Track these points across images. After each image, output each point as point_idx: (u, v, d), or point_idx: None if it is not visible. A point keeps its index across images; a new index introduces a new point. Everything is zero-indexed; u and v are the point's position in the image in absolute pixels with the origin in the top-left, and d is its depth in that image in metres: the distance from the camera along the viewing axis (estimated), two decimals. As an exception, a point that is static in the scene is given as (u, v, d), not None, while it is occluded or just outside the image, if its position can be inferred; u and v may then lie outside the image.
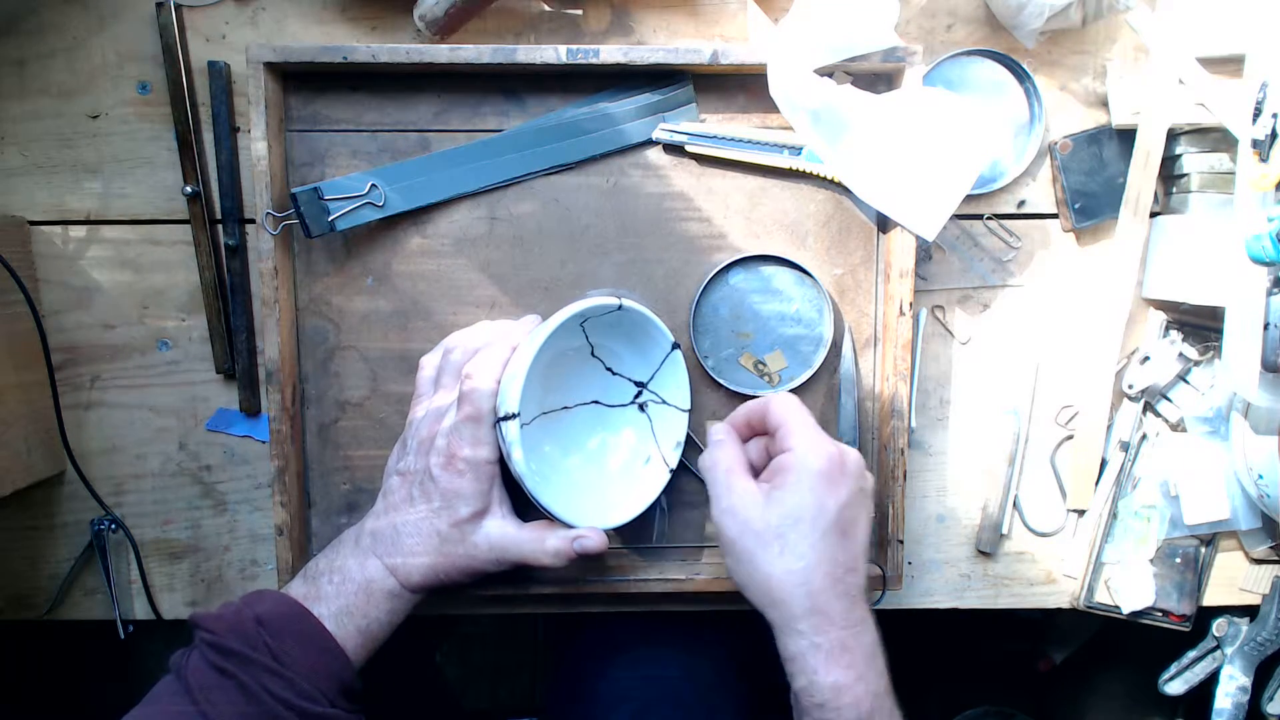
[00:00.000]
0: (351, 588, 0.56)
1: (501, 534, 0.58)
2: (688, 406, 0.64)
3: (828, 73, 0.62)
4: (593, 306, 0.59)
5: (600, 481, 0.64)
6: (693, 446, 0.67)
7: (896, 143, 0.61)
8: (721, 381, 0.66)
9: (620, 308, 0.60)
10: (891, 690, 0.54)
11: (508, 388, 0.56)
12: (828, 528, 0.52)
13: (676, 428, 0.64)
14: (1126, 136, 0.66)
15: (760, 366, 0.66)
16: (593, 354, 0.63)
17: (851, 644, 0.52)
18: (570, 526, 0.58)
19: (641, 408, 0.65)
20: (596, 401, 0.65)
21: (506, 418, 0.55)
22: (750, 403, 0.59)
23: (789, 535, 0.52)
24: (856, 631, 0.53)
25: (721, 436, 0.59)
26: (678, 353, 0.63)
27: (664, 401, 0.64)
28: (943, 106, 0.60)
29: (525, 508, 0.59)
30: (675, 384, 0.64)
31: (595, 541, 0.58)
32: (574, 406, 0.64)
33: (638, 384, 0.65)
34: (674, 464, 0.64)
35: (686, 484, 0.68)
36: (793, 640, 0.53)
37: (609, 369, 0.64)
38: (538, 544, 0.58)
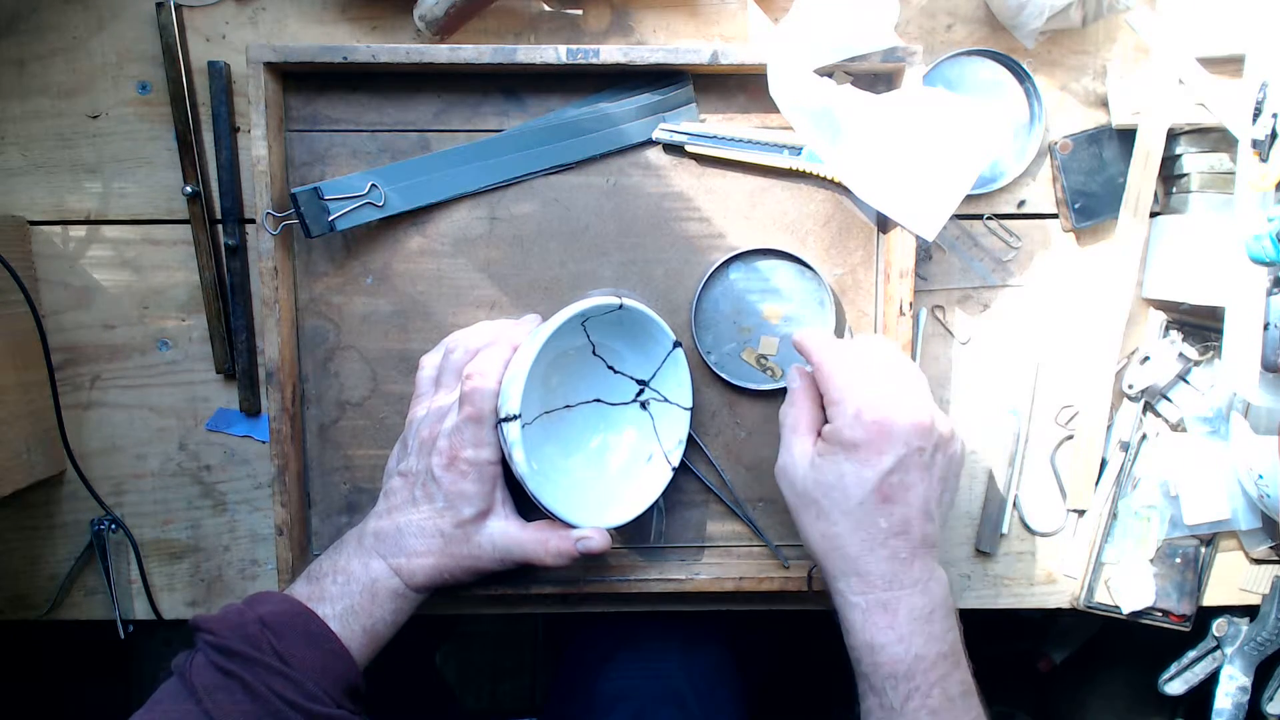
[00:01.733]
0: (356, 588, 0.56)
1: (504, 534, 0.58)
2: (689, 405, 0.64)
3: (828, 73, 0.62)
4: (594, 306, 0.59)
5: (602, 481, 0.64)
6: (694, 445, 0.67)
7: (896, 143, 0.61)
8: (724, 376, 0.66)
9: (621, 307, 0.60)
10: (955, 653, 0.53)
11: (509, 388, 0.56)
12: (865, 497, 0.52)
13: (678, 426, 0.64)
14: (1126, 136, 0.66)
15: (762, 361, 0.66)
16: (594, 353, 0.63)
17: (895, 605, 0.52)
18: (573, 526, 0.58)
19: (643, 406, 0.65)
20: (598, 400, 0.65)
21: (508, 419, 0.55)
22: (809, 349, 0.58)
23: (823, 502, 0.54)
24: (906, 593, 0.52)
25: (796, 386, 0.59)
26: (679, 351, 0.63)
27: (666, 400, 0.64)
28: (943, 106, 0.60)
29: (528, 506, 0.59)
30: (677, 382, 0.64)
31: (598, 541, 0.58)
32: (576, 405, 0.64)
33: (639, 382, 0.65)
34: (676, 462, 0.64)
35: (686, 484, 0.68)
36: (835, 596, 0.54)
37: (611, 367, 0.64)
38: (541, 545, 0.58)
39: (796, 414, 0.58)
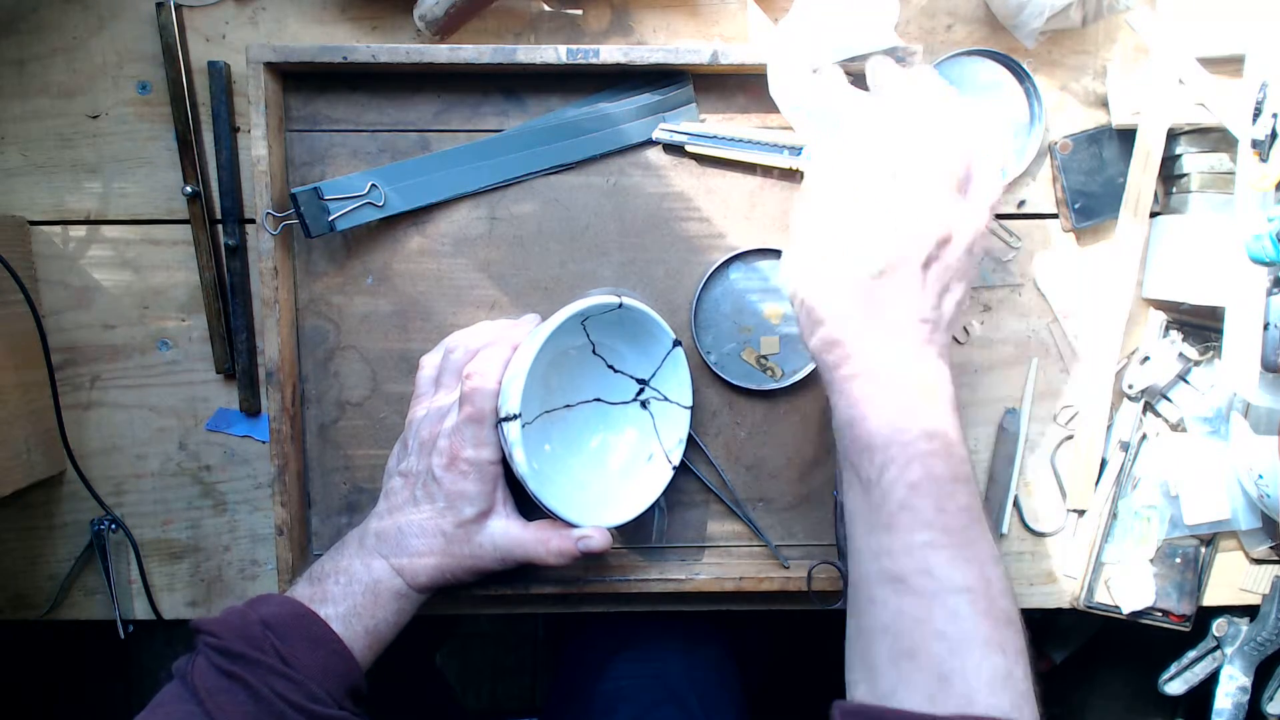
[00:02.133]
0: (358, 589, 0.56)
1: (505, 534, 0.58)
2: (690, 404, 0.64)
3: (828, 73, 0.62)
4: (593, 305, 0.59)
5: (603, 480, 0.64)
6: (694, 445, 0.67)
7: None
8: (724, 376, 0.66)
9: (621, 306, 0.60)
10: (945, 438, 0.49)
11: (509, 388, 0.56)
12: (856, 301, 0.50)
13: (679, 425, 0.64)
14: (1126, 136, 0.66)
15: (762, 361, 0.66)
16: (594, 352, 0.63)
17: (876, 382, 0.49)
18: (573, 525, 0.59)
19: (644, 405, 0.65)
20: (598, 399, 0.65)
21: (508, 418, 0.55)
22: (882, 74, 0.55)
23: (814, 304, 0.52)
24: (892, 373, 0.49)
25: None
26: (679, 350, 0.63)
27: (666, 399, 0.64)
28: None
29: (528, 506, 0.59)
30: (677, 381, 0.64)
31: (599, 540, 0.58)
32: (576, 405, 0.64)
33: (640, 381, 0.65)
34: (676, 461, 0.64)
35: (686, 484, 0.68)
36: (821, 372, 0.53)
37: (611, 366, 0.64)
38: (542, 544, 0.58)
39: (807, 219, 0.54)
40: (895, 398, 0.49)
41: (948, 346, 0.52)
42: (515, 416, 0.55)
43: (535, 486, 0.56)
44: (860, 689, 0.49)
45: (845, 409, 0.50)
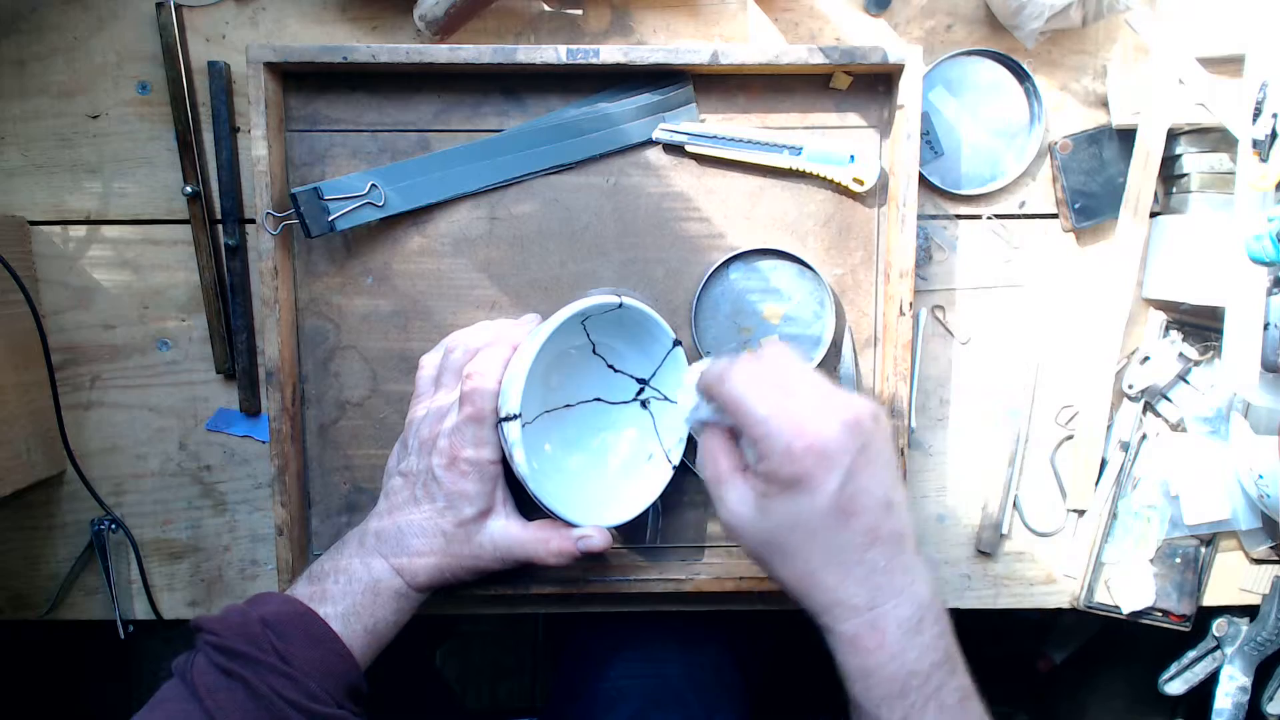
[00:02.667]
0: (358, 588, 0.56)
1: (505, 534, 0.58)
2: (689, 405, 0.64)
3: (826, 75, 0.62)
4: (593, 305, 0.59)
5: (603, 479, 0.64)
6: (694, 445, 0.67)
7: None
8: (722, 381, 0.66)
9: (621, 305, 0.60)
10: (949, 659, 0.50)
11: (509, 388, 0.56)
12: (825, 523, 0.49)
13: (679, 424, 0.64)
14: (1126, 136, 0.66)
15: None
16: (594, 352, 0.64)
17: (882, 623, 0.49)
18: (573, 525, 0.58)
19: (644, 404, 0.65)
20: (599, 399, 0.65)
21: (508, 418, 0.55)
22: (711, 384, 0.53)
23: (786, 544, 0.50)
24: (891, 606, 0.49)
25: (702, 433, 0.56)
26: (679, 349, 0.63)
27: (666, 398, 0.64)
28: None
29: (529, 506, 0.59)
30: (677, 381, 0.64)
31: (599, 540, 0.58)
32: (576, 404, 0.64)
33: (640, 381, 0.65)
34: (677, 461, 0.64)
35: (687, 483, 0.68)
36: (822, 630, 0.52)
37: (611, 366, 0.64)
38: (542, 544, 0.58)
39: (713, 463, 0.54)
40: (905, 638, 0.49)
41: (916, 541, 0.51)
42: (515, 416, 0.55)
43: (535, 486, 0.56)
44: None
45: (853, 658, 0.50)
